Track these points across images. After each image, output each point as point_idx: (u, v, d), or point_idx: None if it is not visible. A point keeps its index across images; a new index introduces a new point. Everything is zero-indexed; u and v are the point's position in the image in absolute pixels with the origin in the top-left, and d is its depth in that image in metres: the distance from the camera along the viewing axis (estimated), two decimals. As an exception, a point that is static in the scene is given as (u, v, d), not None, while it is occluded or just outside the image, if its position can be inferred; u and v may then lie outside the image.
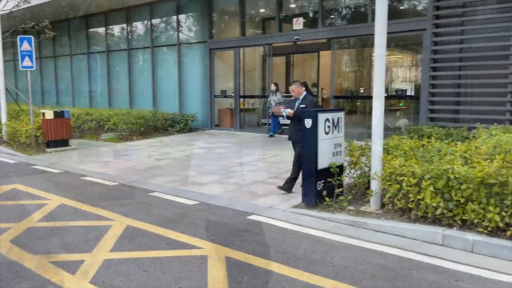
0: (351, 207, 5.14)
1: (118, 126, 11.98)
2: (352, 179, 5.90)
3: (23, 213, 5.18)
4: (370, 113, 12.92)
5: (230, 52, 13.60)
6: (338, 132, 5.52)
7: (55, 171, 7.89)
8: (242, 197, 5.85)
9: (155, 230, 4.52)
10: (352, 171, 5.89)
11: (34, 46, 10.38)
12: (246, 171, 7.52)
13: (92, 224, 4.75)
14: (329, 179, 5.29)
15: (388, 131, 10.81)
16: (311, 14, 11.97)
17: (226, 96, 13.96)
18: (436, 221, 4.40)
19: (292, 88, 6.09)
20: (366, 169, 5.72)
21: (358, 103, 13.69)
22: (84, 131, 13.12)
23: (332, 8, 11.45)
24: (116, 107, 15.85)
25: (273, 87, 12.12)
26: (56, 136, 10.16)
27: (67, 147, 10.39)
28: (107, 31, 17.19)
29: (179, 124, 13.29)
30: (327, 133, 5.31)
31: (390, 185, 4.72)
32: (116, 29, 16.99)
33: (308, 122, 5.17)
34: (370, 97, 11.59)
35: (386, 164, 4.88)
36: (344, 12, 11.22)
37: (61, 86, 19.75)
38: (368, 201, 5.24)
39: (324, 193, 5.20)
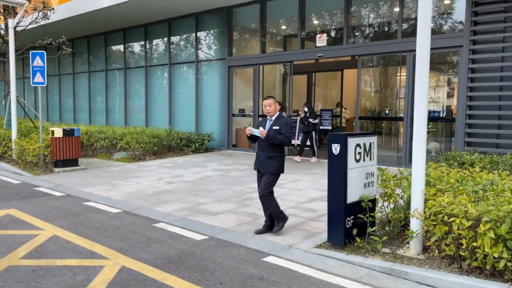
0: (386, 249, 4.33)
1: (130, 145, 11.47)
2: (385, 213, 5.12)
3: (9, 246, 4.56)
4: (396, 135, 12.15)
5: (250, 69, 13.05)
6: (371, 160, 4.75)
7: (58, 194, 7.33)
8: (257, 231, 5.11)
9: (153, 274, 3.81)
10: (385, 203, 5.12)
11: (56, 63, 10.04)
12: (263, 198, 6.77)
13: (82, 263, 4.08)
14: (360, 215, 4.52)
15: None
16: (335, 31, 11.34)
17: (244, 115, 13.35)
18: (496, 274, 3.56)
19: (268, 103, 5.03)
20: (401, 201, 4.94)
21: (383, 124, 12.87)
22: (96, 149, 12.67)
23: (358, 25, 10.79)
24: (132, 125, 15.44)
25: (277, 106, 11.36)
26: (65, 155, 9.67)
27: (76, 167, 9.89)
28: (125, 48, 16.96)
29: (194, 144, 12.70)
30: (357, 161, 4.55)
31: (435, 225, 3.91)
32: (134, 46, 16.74)
33: (335, 148, 4.43)
34: (398, 118, 10.84)
35: (430, 200, 4.08)
36: (370, 28, 10.54)
37: (79, 103, 19.57)
38: (406, 242, 4.43)
39: (354, 231, 4.42)
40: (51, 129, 9.68)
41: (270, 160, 4.89)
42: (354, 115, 13.44)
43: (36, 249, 4.46)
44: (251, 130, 4.98)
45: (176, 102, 15.08)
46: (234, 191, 7.40)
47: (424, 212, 4.07)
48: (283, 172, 5.01)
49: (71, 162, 9.85)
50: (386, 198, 4.95)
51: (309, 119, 10.93)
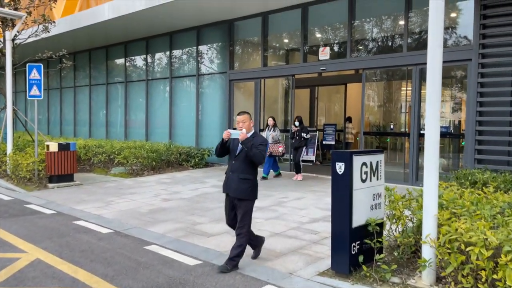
0: (395, 279, 3.96)
1: (128, 160, 11.16)
2: (393, 236, 4.75)
3: (-14, 271, 4.23)
4: (401, 150, 11.78)
5: (251, 83, 12.80)
6: (378, 180, 4.41)
7: (48, 212, 6.99)
8: (256, 256, 4.74)
9: (139, 307, 3.46)
10: (393, 226, 4.75)
11: (58, 76, 9.82)
12: (263, 218, 6.42)
13: (62, 292, 3.73)
14: (367, 240, 4.16)
15: (422, 171, 9.59)
16: (338, 44, 11.09)
17: (245, 130, 13.02)
18: (520, 311, 3.17)
19: (242, 119, 4.36)
20: (410, 224, 4.58)
21: (388, 139, 12.53)
22: (94, 164, 12.37)
23: (362, 38, 10.54)
24: (132, 139, 15.18)
25: (270, 122, 10.55)
26: (60, 171, 9.37)
27: (71, 183, 9.58)
28: (126, 62, 16.81)
29: (194, 159, 12.39)
30: (364, 181, 4.21)
31: (449, 253, 3.55)
32: (135, 60, 16.57)
33: (340, 167, 4.09)
34: (404, 134, 10.50)
35: (444, 225, 3.72)
36: (375, 41, 10.29)
37: (80, 117, 19.37)
38: (418, 270, 4.05)
39: (361, 258, 4.05)
40: (46, 143, 9.40)
41: (242, 184, 4.27)
42: (358, 129, 13.14)
43: (15, 276, 4.12)
44: (229, 133, 4.27)
45: (176, 116, 14.83)
46: (232, 209, 7.03)
47: (438, 239, 3.71)
48: (257, 197, 4.40)
49: (66, 178, 9.54)
50: (394, 220, 4.59)
51: (302, 134, 10.14)
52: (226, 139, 4.37)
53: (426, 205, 3.85)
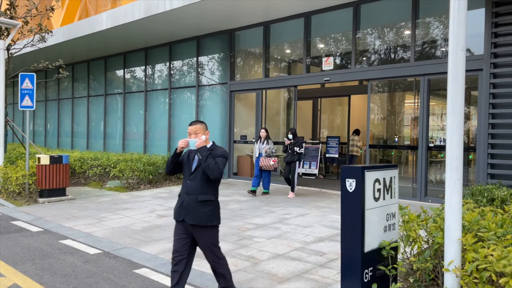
0: (414, 311, 3.50)
1: (124, 174, 10.74)
2: (408, 261, 4.31)
3: (-46, 299, 3.79)
4: (406, 163, 11.35)
5: (252, 94, 12.44)
6: (392, 198, 3.98)
7: (34, 229, 6.55)
8: (257, 282, 4.29)
9: None
10: (407, 248, 4.31)
11: (56, 87, 9.48)
12: (265, 237, 5.98)
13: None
14: (380, 266, 3.72)
15: (431, 185, 9.14)
16: (342, 54, 10.75)
17: (246, 142, 12.65)
18: None
19: (193, 129, 3.65)
20: (425, 245, 4.14)
21: (392, 152, 12.11)
22: (89, 177, 11.94)
23: (367, 48, 10.20)
24: (130, 151, 14.80)
25: (263, 134, 9.73)
26: (51, 185, 8.94)
27: (63, 197, 9.15)
28: (125, 72, 16.51)
29: (193, 172, 11.93)
30: (377, 199, 3.78)
31: (476, 283, 3.10)
32: (134, 70, 16.28)
33: (350, 184, 3.67)
34: (411, 147, 10.05)
35: (469, 251, 3.28)
36: (380, 51, 9.94)
37: (78, 128, 19.03)
38: (438, 301, 3.60)
39: (375, 287, 3.60)
40: (37, 156, 8.99)
41: (202, 206, 3.51)
42: (364, 142, 12.75)
43: (-14, 305, 3.68)
44: (186, 141, 3.60)
45: (175, 128, 14.45)
46: (231, 227, 6.59)
47: (463, 266, 3.26)
48: (219, 222, 3.64)
49: (58, 192, 9.11)
50: (409, 243, 4.14)
51: (295, 148, 9.30)
52: (182, 150, 3.65)
53: (449, 227, 3.41)
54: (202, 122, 3.78)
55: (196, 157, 3.64)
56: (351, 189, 3.64)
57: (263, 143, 9.72)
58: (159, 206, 8.38)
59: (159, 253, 5.25)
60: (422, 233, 4.20)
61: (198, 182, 3.57)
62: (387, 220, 3.91)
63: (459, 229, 3.41)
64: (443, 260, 3.63)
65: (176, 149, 3.68)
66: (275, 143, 13.04)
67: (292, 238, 5.91)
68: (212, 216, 3.56)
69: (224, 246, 5.52)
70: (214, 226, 3.59)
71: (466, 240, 3.42)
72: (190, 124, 3.71)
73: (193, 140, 3.56)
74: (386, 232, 3.88)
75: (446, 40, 8.98)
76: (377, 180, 3.78)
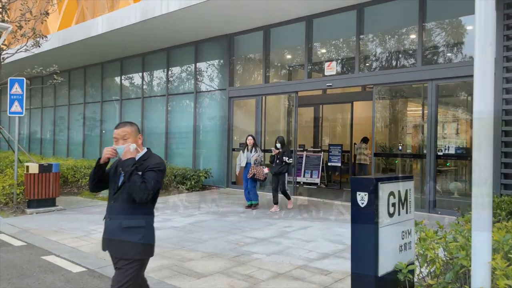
0: None
1: (118, 183, 10.27)
2: (425, 283, 3.85)
3: None
4: (410, 173, 10.88)
5: (252, 101, 12.04)
6: (407, 213, 3.55)
7: (18, 243, 6.09)
8: (255, 306, 3.84)
9: None
10: (424, 269, 3.85)
11: (52, 94, 9.08)
12: (265, 253, 5.52)
13: None
14: (396, 292, 3.27)
15: (440, 196, 8.69)
16: (345, 59, 10.36)
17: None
18: None
19: (121, 134, 2.91)
20: (441, 263, 3.69)
21: (396, 161, 11.66)
22: (82, 187, 11.50)
23: (371, 52, 9.81)
24: (125, 160, 14.35)
25: (250, 141, 8.95)
26: (40, 194, 8.48)
27: (53, 208, 8.69)
28: (122, 79, 16.14)
29: (190, 181, 11.51)
30: (391, 215, 3.35)
31: (511, 315, 2.66)
32: (131, 77, 15.90)
33: (361, 198, 3.23)
34: (419, 156, 9.54)
35: (499, 275, 2.83)
36: (385, 55, 9.55)
37: (74, 136, 18.61)
38: (463, 332, 3.14)
39: (390, 317, 3.15)
40: (26, 164, 8.56)
41: (127, 234, 2.78)
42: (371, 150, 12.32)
43: None
44: (113, 149, 2.88)
45: (173, 135, 14.03)
46: (229, 241, 6.13)
47: (495, 295, 2.82)
48: (152, 255, 2.95)
49: (47, 202, 8.65)
50: (426, 264, 3.69)
51: (284, 157, 8.59)
52: (107, 160, 2.89)
53: (477, 250, 2.96)
54: (132, 123, 2.97)
55: (118, 169, 2.88)
56: (362, 203, 3.21)
57: (250, 151, 8.97)
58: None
59: (148, 271, 4.74)
60: (441, 252, 3.75)
61: (123, 203, 2.83)
62: (403, 239, 3.48)
63: (489, 250, 2.96)
64: (465, 284, 3.20)
65: (99, 159, 2.93)
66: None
67: (294, 254, 5.46)
68: (139, 248, 2.81)
69: (220, 263, 5.08)
70: (141, 260, 2.86)
71: (496, 264, 2.97)
72: (117, 127, 2.94)
73: (122, 147, 2.85)
74: (401, 252, 3.44)
75: (456, 43, 8.59)
76: (391, 193, 3.36)
